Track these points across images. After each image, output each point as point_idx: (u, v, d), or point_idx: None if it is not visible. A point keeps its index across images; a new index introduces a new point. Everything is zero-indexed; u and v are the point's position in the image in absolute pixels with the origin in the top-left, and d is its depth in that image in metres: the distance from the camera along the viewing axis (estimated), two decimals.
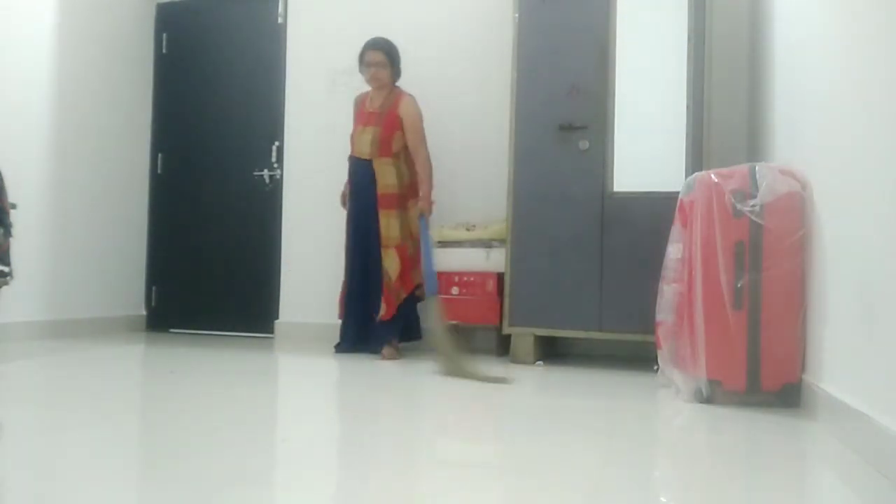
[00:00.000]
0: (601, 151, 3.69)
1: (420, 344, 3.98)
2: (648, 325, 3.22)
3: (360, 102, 4.11)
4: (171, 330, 5.07)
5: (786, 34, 3.11)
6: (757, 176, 2.66)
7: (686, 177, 3.22)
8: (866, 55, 2.01)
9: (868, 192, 1.97)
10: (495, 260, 3.97)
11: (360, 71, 4.02)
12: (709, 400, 2.65)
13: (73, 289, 4.60)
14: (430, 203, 3.94)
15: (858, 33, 2.10)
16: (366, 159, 3.93)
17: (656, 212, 3.46)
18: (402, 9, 4.69)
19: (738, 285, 2.62)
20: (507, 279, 3.79)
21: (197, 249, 5.10)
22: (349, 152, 4.05)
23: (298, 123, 4.81)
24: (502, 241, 3.93)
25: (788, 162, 2.89)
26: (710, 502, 1.58)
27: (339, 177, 4.19)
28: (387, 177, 3.90)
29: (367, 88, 4.10)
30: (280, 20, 4.95)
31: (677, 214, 3.01)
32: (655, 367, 3.15)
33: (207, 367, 3.55)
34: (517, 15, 3.84)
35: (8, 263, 3.15)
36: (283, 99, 4.90)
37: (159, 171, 5.24)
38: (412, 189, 3.95)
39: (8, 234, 3.15)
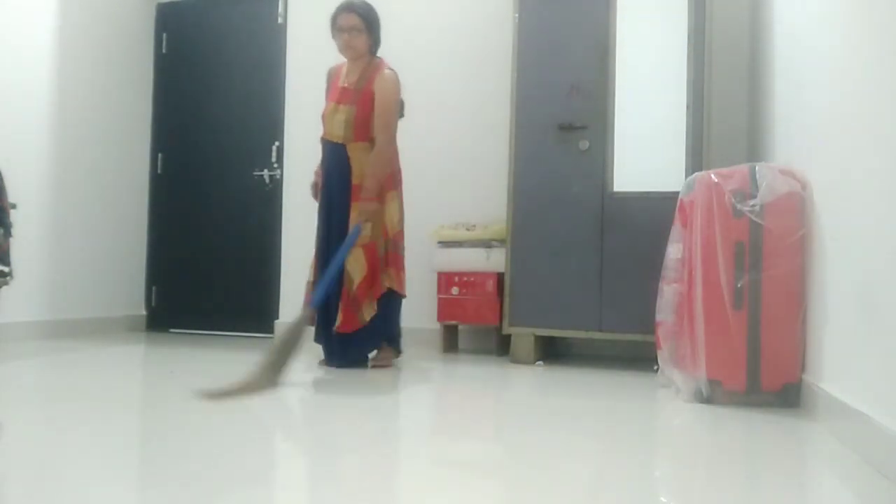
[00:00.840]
0: (601, 151, 3.69)
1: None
2: (648, 325, 3.22)
3: (333, 75, 3.54)
4: (171, 330, 5.07)
5: (786, 34, 3.11)
6: (757, 176, 2.66)
7: (686, 177, 3.22)
8: (866, 55, 2.01)
9: (868, 192, 1.97)
10: (495, 260, 3.97)
11: (333, 37, 3.44)
12: (709, 400, 2.65)
13: (73, 289, 4.60)
14: (375, 202, 3.27)
15: (859, 33, 2.10)
16: (339, 143, 3.38)
17: (656, 212, 3.46)
18: (402, 8, 4.68)
19: (738, 285, 2.62)
20: (507, 279, 3.79)
21: (197, 249, 5.10)
22: (321, 133, 3.51)
23: (298, 123, 4.81)
24: (502, 241, 3.93)
25: (788, 162, 2.89)
26: (710, 502, 1.58)
27: None
28: (364, 164, 3.34)
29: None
30: (280, 20, 4.95)
31: (677, 214, 3.01)
32: (655, 367, 3.15)
33: (208, 367, 3.55)
34: (517, 15, 3.84)
35: (8, 263, 3.14)
36: (283, 99, 4.90)
37: (159, 171, 5.25)
38: (392, 180, 3.43)
39: (8, 234, 3.15)
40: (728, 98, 4.05)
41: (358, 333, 3.34)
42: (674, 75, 3.59)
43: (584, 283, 3.66)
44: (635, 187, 3.63)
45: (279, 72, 4.93)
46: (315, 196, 3.54)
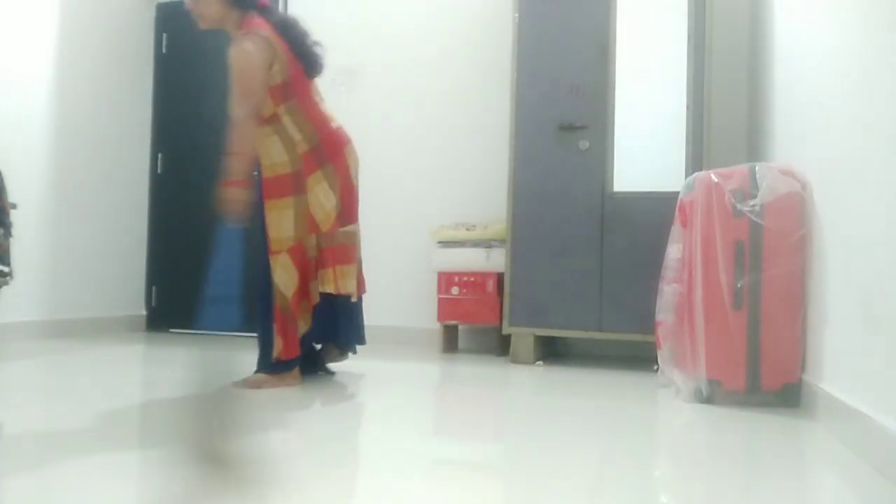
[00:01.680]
0: (601, 151, 3.69)
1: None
2: (648, 325, 3.22)
3: None
4: (171, 330, 5.07)
5: (785, 34, 3.11)
6: (757, 176, 2.66)
7: (686, 177, 3.22)
8: (866, 55, 2.01)
9: (868, 192, 1.97)
10: (495, 260, 3.97)
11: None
12: (709, 400, 2.65)
13: (73, 289, 4.60)
14: (235, 187, 2.61)
15: (858, 33, 2.10)
16: None
17: (656, 212, 3.47)
18: (402, 8, 4.69)
19: (738, 285, 2.62)
20: (507, 279, 3.79)
21: (197, 249, 5.09)
22: None
23: None
24: (502, 241, 3.94)
25: (788, 162, 2.89)
26: (710, 502, 1.58)
27: None
28: (271, 153, 2.84)
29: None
30: None
31: (677, 214, 3.01)
32: (655, 367, 3.15)
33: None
34: (517, 15, 3.84)
35: (8, 263, 3.14)
36: None
37: (159, 171, 5.25)
38: (313, 159, 2.85)
39: (8, 234, 3.15)
40: (728, 98, 4.05)
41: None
42: (674, 75, 3.60)
43: (584, 283, 3.66)
44: (635, 187, 3.63)
45: None
46: None
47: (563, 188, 3.72)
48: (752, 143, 3.87)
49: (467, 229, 4.12)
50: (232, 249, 2.76)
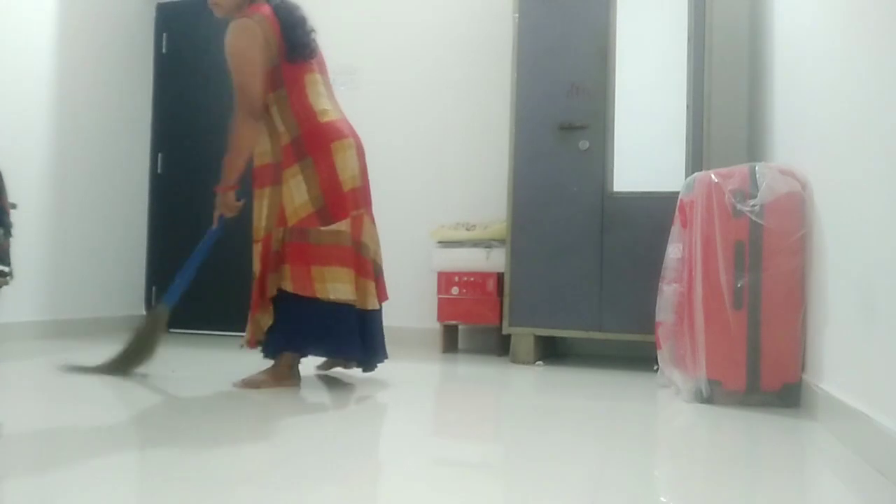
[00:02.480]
0: (601, 151, 3.69)
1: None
2: (648, 325, 3.22)
3: None
4: (171, 330, 5.06)
5: (785, 34, 3.11)
6: (757, 176, 2.66)
7: (686, 177, 3.22)
8: (866, 55, 2.01)
9: (868, 192, 1.97)
10: (495, 260, 3.97)
11: None
12: (709, 400, 2.65)
13: (73, 289, 4.60)
14: (232, 193, 2.85)
15: (858, 33, 2.10)
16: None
17: (656, 212, 3.47)
18: (402, 8, 4.69)
19: (738, 285, 2.62)
20: (507, 279, 3.79)
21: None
22: None
23: None
24: (502, 241, 3.94)
25: (788, 162, 2.89)
26: (710, 502, 1.58)
27: None
28: (260, 142, 2.84)
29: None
30: None
31: (677, 214, 3.01)
32: (655, 367, 3.15)
33: (208, 367, 3.55)
34: (517, 15, 3.84)
35: (8, 263, 3.14)
36: None
37: (159, 171, 5.25)
38: (292, 152, 2.78)
39: (8, 234, 3.15)
40: (728, 98, 4.05)
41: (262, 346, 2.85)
42: (674, 75, 3.60)
43: (584, 283, 3.67)
44: (635, 187, 3.63)
45: None
46: None
47: (563, 188, 3.72)
48: (752, 143, 3.88)
49: (467, 229, 4.12)
50: (206, 244, 3.00)
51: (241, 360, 3.70)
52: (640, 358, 3.83)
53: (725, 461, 1.95)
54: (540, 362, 3.77)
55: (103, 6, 4.85)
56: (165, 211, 5.22)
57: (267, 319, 2.82)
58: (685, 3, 3.60)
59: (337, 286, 2.76)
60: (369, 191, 3.04)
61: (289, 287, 2.77)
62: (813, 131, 2.60)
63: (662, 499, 1.60)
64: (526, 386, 3.17)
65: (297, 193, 2.78)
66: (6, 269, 3.12)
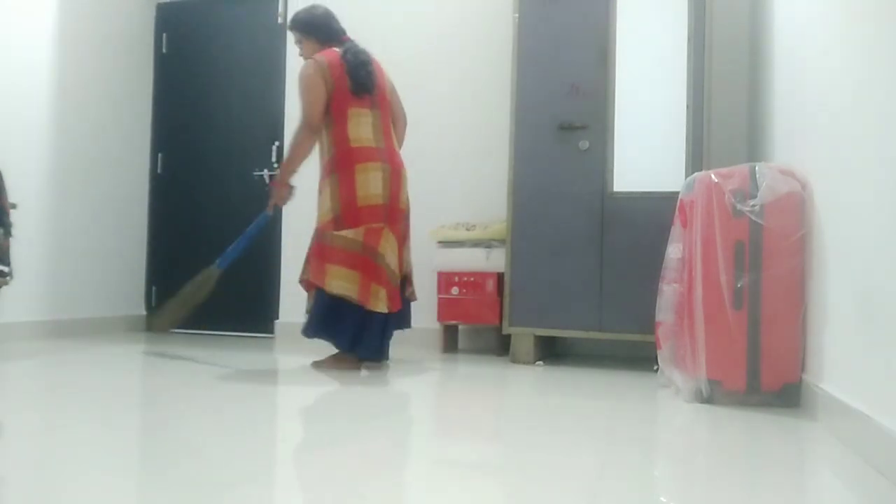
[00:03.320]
0: (601, 151, 3.69)
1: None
2: (648, 325, 3.23)
3: None
4: (171, 330, 5.06)
5: (786, 34, 3.11)
6: (757, 176, 2.66)
7: (686, 177, 3.22)
8: (866, 54, 2.01)
9: (868, 192, 1.97)
10: (495, 260, 3.97)
11: None
12: (709, 400, 2.65)
13: (73, 289, 4.60)
14: (285, 188, 3.54)
15: (858, 33, 2.10)
16: None
17: (656, 212, 3.47)
18: (402, 8, 4.69)
19: (738, 285, 2.62)
20: (507, 279, 3.79)
21: (197, 250, 5.10)
22: None
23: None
24: (502, 241, 3.94)
25: (788, 162, 2.89)
26: (710, 502, 1.58)
27: None
28: (320, 151, 3.51)
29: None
30: (280, 20, 4.96)
31: (677, 214, 3.01)
32: (655, 367, 3.15)
33: (208, 367, 3.55)
34: (517, 15, 3.84)
35: (8, 263, 3.15)
36: (283, 99, 4.91)
37: (159, 171, 5.25)
38: (327, 168, 3.40)
39: (8, 234, 3.16)
40: (728, 98, 4.06)
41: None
42: (674, 75, 3.60)
43: (584, 282, 3.67)
44: (635, 187, 3.63)
45: (279, 72, 4.93)
46: None
47: (562, 188, 3.72)
48: (752, 143, 3.88)
49: (467, 229, 4.13)
50: (257, 227, 3.62)
51: (240, 359, 3.70)
52: (640, 358, 3.83)
53: (725, 461, 1.95)
54: (540, 362, 3.77)
55: (103, 6, 4.85)
56: (165, 211, 5.22)
57: (309, 300, 3.40)
58: (685, 3, 3.60)
59: (340, 283, 3.24)
60: (400, 211, 3.44)
61: (309, 276, 3.33)
62: (813, 131, 2.60)
63: (662, 499, 1.60)
64: (526, 386, 3.17)
65: (325, 202, 3.36)
66: (6, 269, 3.12)
